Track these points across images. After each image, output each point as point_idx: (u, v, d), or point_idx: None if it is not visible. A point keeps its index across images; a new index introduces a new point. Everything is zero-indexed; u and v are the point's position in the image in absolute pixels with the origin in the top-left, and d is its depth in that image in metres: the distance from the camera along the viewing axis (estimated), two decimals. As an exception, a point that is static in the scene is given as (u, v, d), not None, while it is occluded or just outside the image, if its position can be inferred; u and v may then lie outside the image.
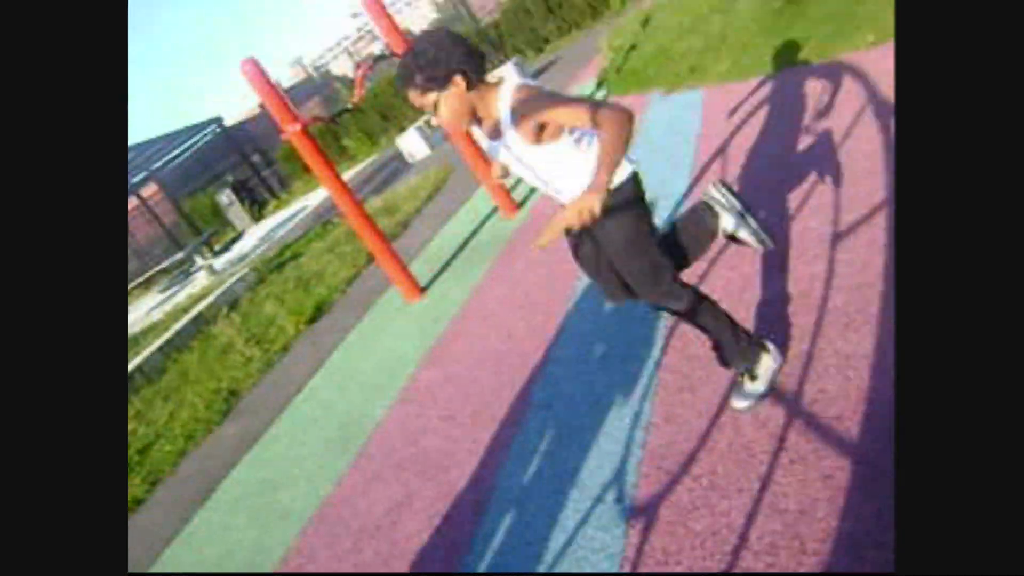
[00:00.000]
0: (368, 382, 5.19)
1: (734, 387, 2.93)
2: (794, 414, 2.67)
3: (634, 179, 2.70)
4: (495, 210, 7.07)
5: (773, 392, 2.82)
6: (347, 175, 20.33)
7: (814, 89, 5.18)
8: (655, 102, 7.53)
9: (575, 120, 2.37)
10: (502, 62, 16.19)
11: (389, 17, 6.90)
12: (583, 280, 4.65)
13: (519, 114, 2.45)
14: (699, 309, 2.80)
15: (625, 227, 2.69)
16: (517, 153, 2.60)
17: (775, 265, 3.56)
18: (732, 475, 2.59)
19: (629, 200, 2.68)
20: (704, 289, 3.72)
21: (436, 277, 6.46)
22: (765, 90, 5.73)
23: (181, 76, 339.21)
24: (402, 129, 17.66)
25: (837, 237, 3.47)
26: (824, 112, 4.76)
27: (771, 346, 2.91)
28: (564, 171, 2.65)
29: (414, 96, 2.50)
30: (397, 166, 15.12)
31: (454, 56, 2.44)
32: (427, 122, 14.06)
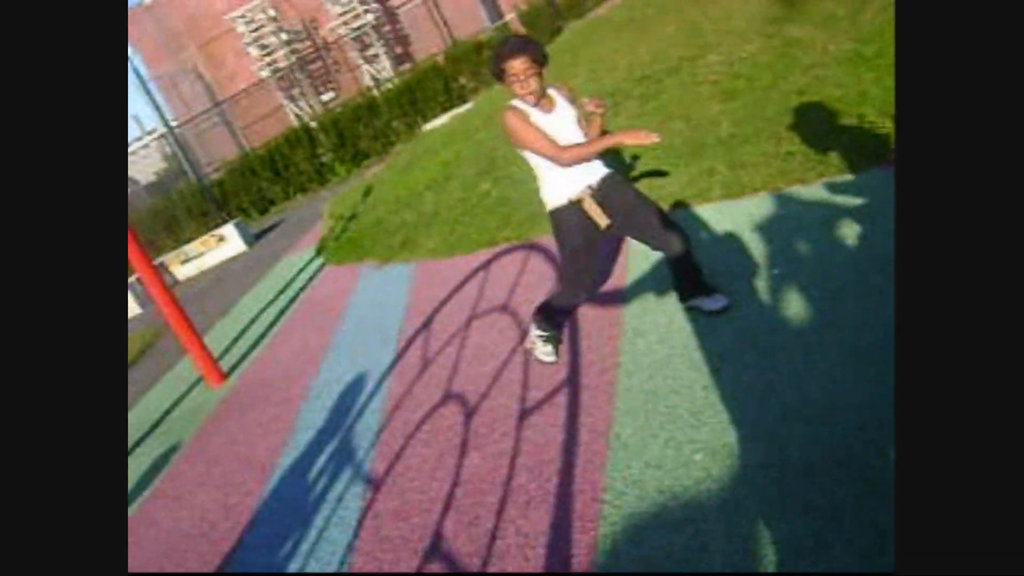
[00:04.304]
0: None
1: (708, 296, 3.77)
2: (474, 598, 2.71)
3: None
4: (200, 380, 6.77)
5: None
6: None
7: (509, 267, 5.57)
8: (368, 273, 7.72)
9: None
10: (224, 221, 15.93)
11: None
12: (287, 458, 4.53)
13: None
14: None
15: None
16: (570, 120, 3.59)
17: (470, 442, 3.67)
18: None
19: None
20: (401, 463, 3.78)
21: (128, 455, 5.99)
22: (467, 267, 6.07)
23: None
24: (111, 285, 16.63)
25: (524, 414, 3.67)
26: (515, 290, 5.11)
27: None
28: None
29: (523, 61, 3.38)
30: (102, 325, 14.12)
31: (545, 53, 3.50)
32: (138, 279, 13.37)
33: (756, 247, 4.17)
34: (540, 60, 3.43)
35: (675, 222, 3.65)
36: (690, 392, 3.23)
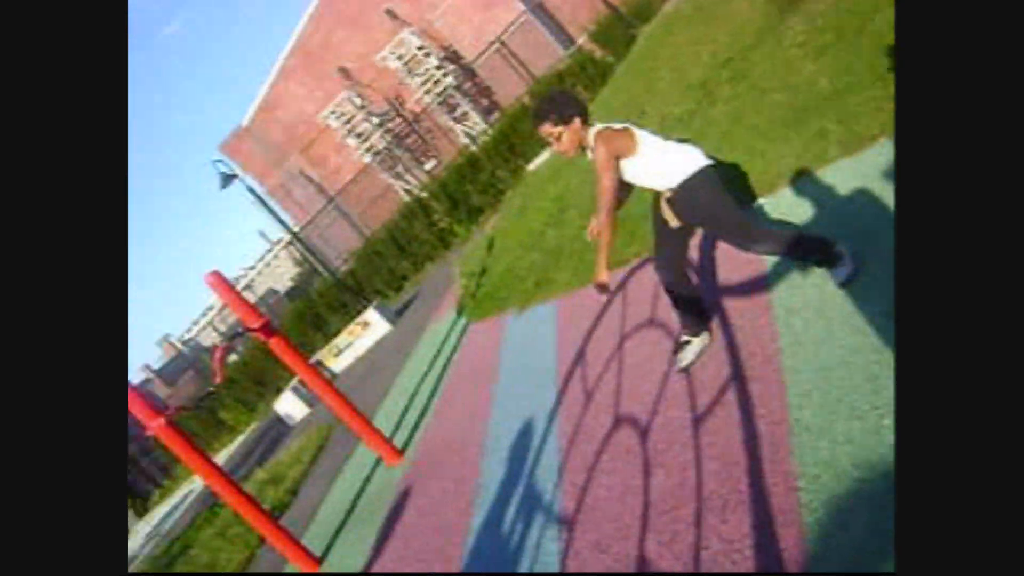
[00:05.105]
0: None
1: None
2: (695, 613, 2.67)
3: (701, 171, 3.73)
4: (379, 461, 7.00)
5: None
6: (228, 450, 19.77)
7: (645, 281, 5.53)
8: (512, 322, 7.83)
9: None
10: (364, 307, 16.51)
11: (237, 293, 7.03)
12: (478, 517, 4.62)
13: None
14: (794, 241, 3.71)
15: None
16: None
17: (652, 461, 3.65)
18: None
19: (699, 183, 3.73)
20: (589, 496, 3.78)
21: (331, 544, 6.25)
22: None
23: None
24: (278, 391, 17.44)
25: (698, 421, 3.62)
26: (657, 301, 5.06)
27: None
28: (644, 173, 3.79)
29: (546, 128, 3.68)
30: (278, 431, 14.83)
31: (575, 105, 3.72)
32: (300, 381, 14.00)
33: (890, 195, 4.00)
34: (562, 120, 3.68)
35: (754, 229, 3.81)
36: (861, 358, 3.11)
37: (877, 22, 5.97)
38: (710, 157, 3.83)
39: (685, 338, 4.10)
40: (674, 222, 3.83)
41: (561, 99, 3.78)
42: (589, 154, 3.78)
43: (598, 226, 3.81)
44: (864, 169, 4.42)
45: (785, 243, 3.71)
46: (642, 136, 3.77)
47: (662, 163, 3.75)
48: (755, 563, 2.65)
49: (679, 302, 4.09)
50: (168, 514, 17.42)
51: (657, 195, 3.88)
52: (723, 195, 3.79)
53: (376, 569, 5.14)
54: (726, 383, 3.69)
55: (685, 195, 3.75)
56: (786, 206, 4.87)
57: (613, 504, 3.59)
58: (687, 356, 4.07)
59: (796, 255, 3.76)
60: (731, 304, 4.31)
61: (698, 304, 4.14)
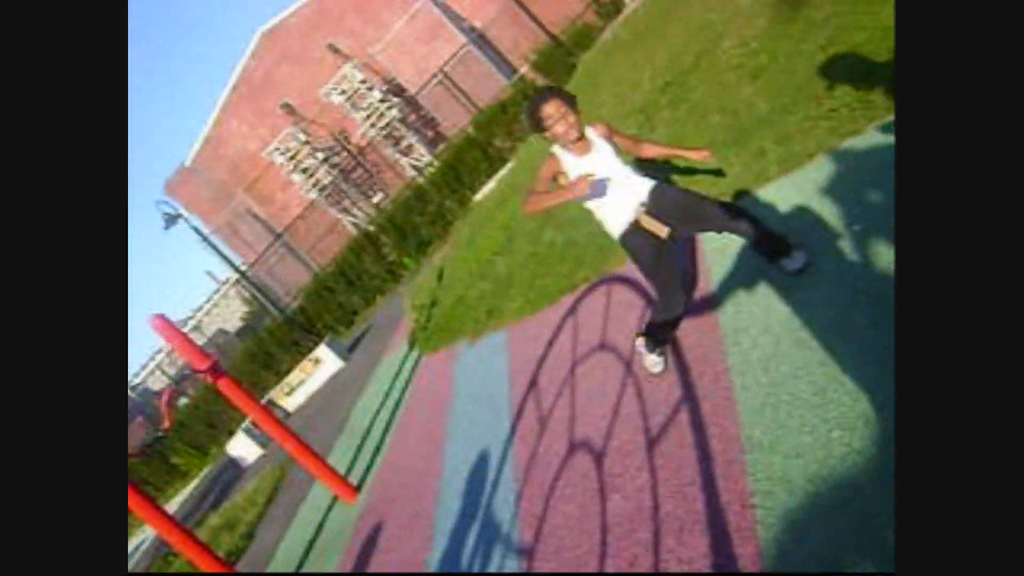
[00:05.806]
0: None
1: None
2: (657, 638, 2.65)
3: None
4: (335, 500, 6.89)
5: None
6: (181, 496, 19.33)
7: (595, 306, 5.55)
8: (464, 352, 7.79)
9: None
10: (316, 344, 16.32)
11: (183, 336, 6.91)
12: (436, 552, 4.57)
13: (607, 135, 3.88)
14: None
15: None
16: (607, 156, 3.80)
17: (609, 485, 3.64)
18: None
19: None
20: (547, 525, 3.76)
21: (289, 587, 6.13)
22: (555, 318, 6.07)
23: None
24: (231, 433, 17.11)
25: (652, 443, 3.62)
26: (608, 325, 5.08)
27: None
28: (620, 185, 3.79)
29: (555, 104, 3.68)
30: (232, 474, 14.55)
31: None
32: (253, 422, 13.77)
33: (830, 211, 4.08)
34: (569, 101, 3.72)
35: (733, 204, 3.79)
36: (808, 373, 3.15)
37: (808, 44, 6.12)
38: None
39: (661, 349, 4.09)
40: (663, 232, 3.74)
41: (562, 88, 3.90)
42: (591, 133, 3.83)
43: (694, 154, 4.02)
44: (803, 186, 4.50)
45: (755, 229, 3.74)
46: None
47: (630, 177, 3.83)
48: (714, 583, 2.65)
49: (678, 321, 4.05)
50: (120, 566, 16.92)
51: (633, 227, 3.78)
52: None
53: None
54: (678, 404, 3.71)
55: (661, 196, 3.80)
56: (729, 226, 4.93)
57: (571, 531, 3.57)
58: (659, 362, 4.08)
59: (762, 244, 3.80)
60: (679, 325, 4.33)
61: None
